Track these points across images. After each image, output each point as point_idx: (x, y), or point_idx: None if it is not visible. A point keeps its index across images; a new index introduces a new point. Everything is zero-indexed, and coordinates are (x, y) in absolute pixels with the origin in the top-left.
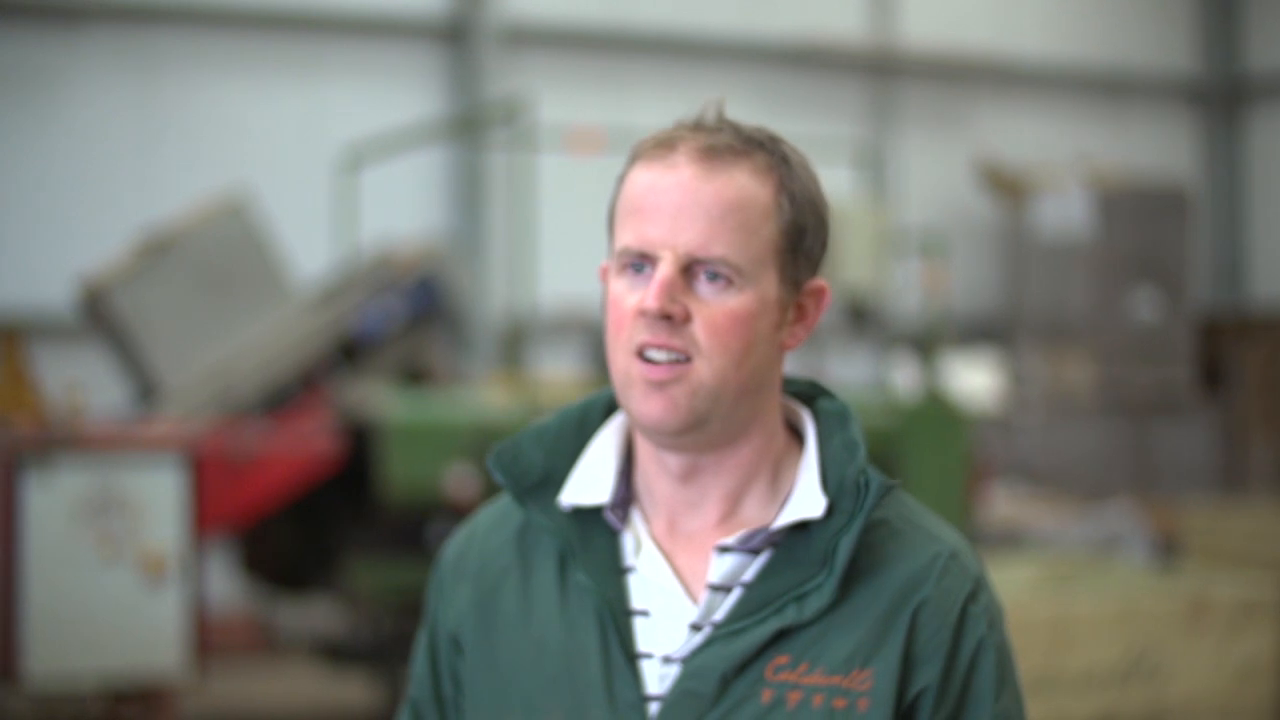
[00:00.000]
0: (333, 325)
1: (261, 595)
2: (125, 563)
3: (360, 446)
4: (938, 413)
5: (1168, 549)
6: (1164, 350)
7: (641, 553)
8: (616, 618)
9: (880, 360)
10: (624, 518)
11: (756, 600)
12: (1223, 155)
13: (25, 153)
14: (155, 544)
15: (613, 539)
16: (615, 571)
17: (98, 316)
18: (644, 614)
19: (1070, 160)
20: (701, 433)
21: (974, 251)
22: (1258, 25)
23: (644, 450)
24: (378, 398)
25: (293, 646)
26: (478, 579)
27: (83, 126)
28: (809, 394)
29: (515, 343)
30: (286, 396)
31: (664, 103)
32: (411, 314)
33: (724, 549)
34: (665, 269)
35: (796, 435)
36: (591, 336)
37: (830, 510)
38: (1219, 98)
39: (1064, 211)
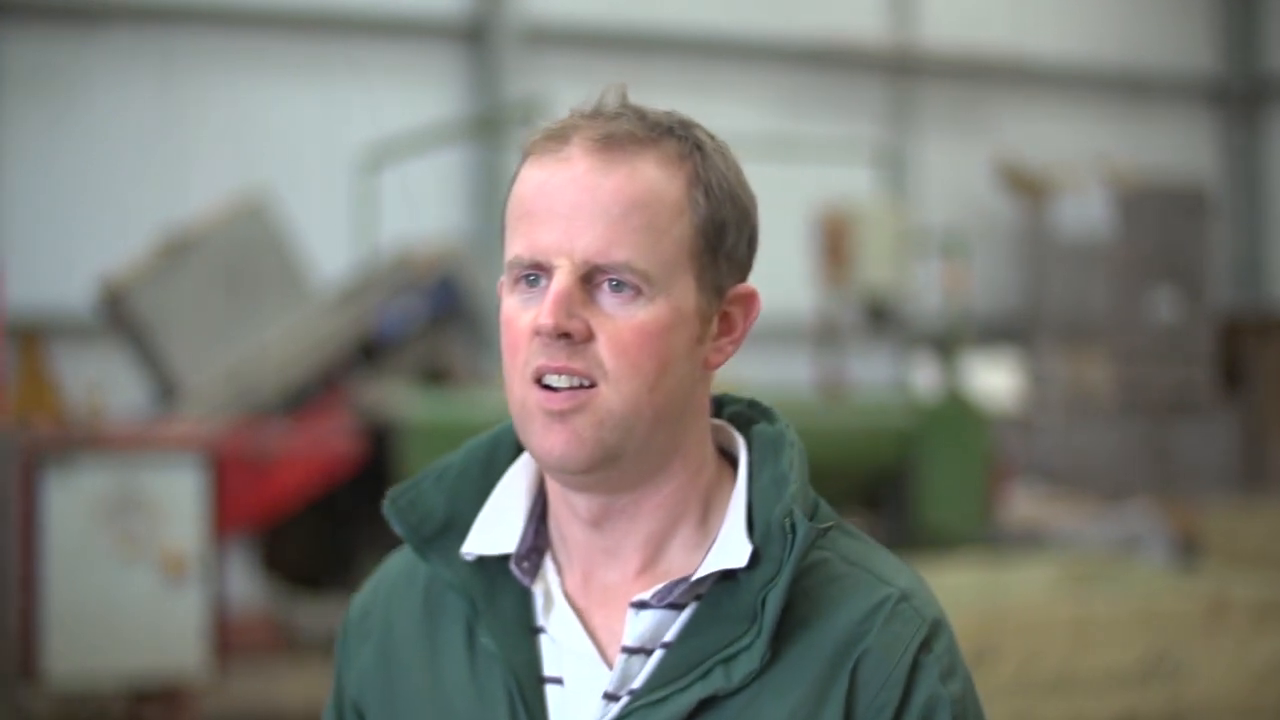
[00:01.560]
0: (353, 325)
1: (281, 595)
2: (145, 562)
3: (380, 446)
4: (958, 412)
5: (1187, 549)
6: (1184, 350)
7: (553, 611)
8: (525, 688)
9: (900, 360)
10: (535, 569)
11: (679, 664)
12: (1242, 155)
13: (45, 153)
14: (175, 544)
15: (523, 595)
16: (524, 633)
17: (118, 317)
18: (557, 682)
19: (1090, 160)
20: (612, 470)
21: (994, 252)
22: (1278, 25)
23: (554, 491)
24: (397, 398)
25: (312, 646)
26: (382, 640)
27: (103, 127)
28: (747, 416)
29: None
30: (306, 397)
31: (684, 103)
32: (431, 314)
33: (641, 605)
34: (561, 280)
35: (734, 465)
36: None
37: (757, 557)
38: (1239, 98)
39: (1084, 212)
